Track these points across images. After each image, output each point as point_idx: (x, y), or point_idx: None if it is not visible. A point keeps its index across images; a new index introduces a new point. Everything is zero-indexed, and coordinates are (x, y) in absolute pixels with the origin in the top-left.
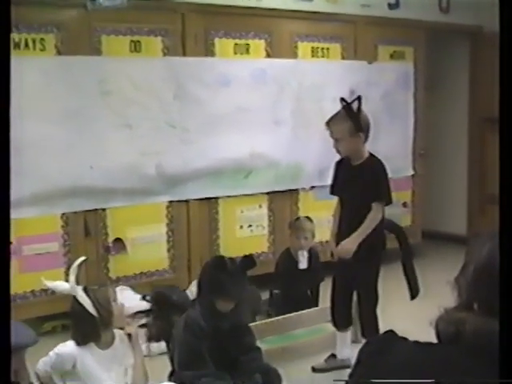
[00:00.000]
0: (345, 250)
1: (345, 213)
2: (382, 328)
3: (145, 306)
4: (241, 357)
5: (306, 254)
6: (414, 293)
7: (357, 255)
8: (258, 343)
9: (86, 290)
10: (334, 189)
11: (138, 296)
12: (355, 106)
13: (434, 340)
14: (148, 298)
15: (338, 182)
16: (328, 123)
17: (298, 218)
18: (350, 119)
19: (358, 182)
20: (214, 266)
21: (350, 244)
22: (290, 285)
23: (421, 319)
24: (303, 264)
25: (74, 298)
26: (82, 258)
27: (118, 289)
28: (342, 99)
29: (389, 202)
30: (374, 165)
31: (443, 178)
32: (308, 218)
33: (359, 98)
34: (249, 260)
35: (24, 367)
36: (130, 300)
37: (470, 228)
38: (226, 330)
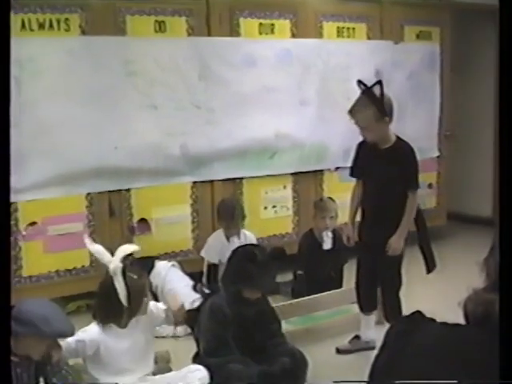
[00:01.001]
0: (393, 249)
1: (369, 197)
2: (409, 309)
3: (197, 299)
4: (266, 342)
5: (330, 234)
6: (430, 267)
7: (382, 238)
8: (283, 324)
9: (124, 273)
10: (355, 171)
11: (187, 278)
12: (377, 90)
13: (462, 321)
14: (200, 287)
15: (363, 165)
16: (351, 112)
17: (321, 199)
18: (374, 104)
19: (389, 167)
20: (243, 256)
21: (398, 243)
22: (313, 266)
23: (447, 300)
24: (327, 244)
25: (110, 279)
26: (134, 248)
27: (168, 265)
28: (360, 82)
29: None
30: (405, 150)
31: (469, 159)
32: (331, 198)
33: (380, 83)
34: (279, 252)
35: (58, 347)
36: (179, 286)
37: (495, 210)
38: (251, 317)
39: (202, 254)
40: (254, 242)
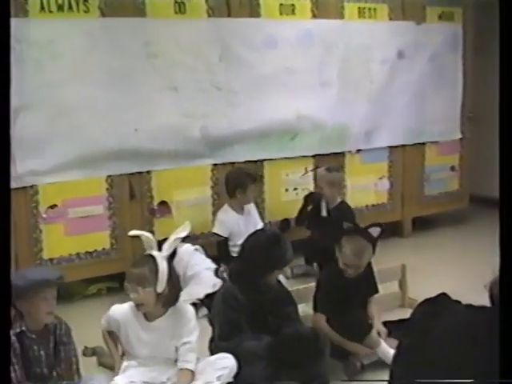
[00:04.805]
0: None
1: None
2: (434, 292)
3: (218, 283)
4: (281, 324)
5: (323, 203)
6: None
7: None
8: (304, 307)
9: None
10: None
11: (209, 262)
12: (375, 232)
13: (487, 303)
14: (221, 272)
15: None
16: (358, 256)
17: (316, 167)
18: (371, 244)
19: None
20: (269, 242)
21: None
22: (315, 232)
23: (472, 283)
24: (323, 212)
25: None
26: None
27: (191, 249)
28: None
29: None
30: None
31: (492, 141)
32: (328, 168)
33: (382, 228)
34: (285, 223)
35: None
36: (201, 270)
37: None
38: (265, 302)
39: (215, 230)
40: (257, 213)
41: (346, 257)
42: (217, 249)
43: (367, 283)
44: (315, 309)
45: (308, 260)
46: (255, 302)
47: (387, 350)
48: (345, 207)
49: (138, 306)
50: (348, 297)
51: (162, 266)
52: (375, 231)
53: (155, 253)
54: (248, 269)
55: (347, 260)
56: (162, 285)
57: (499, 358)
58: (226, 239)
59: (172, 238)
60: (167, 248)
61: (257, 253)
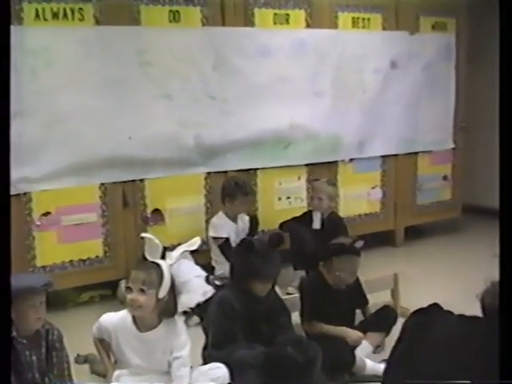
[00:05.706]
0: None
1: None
2: (426, 301)
3: (209, 290)
4: (274, 333)
5: (318, 214)
6: None
7: None
8: (298, 315)
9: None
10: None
11: (199, 269)
12: (359, 244)
13: (479, 313)
14: (212, 279)
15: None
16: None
17: (316, 179)
18: (359, 256)
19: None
20: (242, 249)
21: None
22: (300, 243)
23: (464, 293)
24: (316, 224)
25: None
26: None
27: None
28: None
29: None
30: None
31: (485, 151)
32: (328, 181)
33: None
34: (276, 237)
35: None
36: (191, 277)
37: None
38: (260, 312)
39: (211, 234)
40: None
41: (338, 277)
42: (221, 252)
43: (356, 294)
44: (309, 317)
45: (296, 269)
46: (249, 311)
47: (376, 366)
48: (335, 218)
49: (134, 309)
50: (336, 309)
51: (167, 273)
52: (359, 244)
53: (160, 261)
54: (232, 277)
55: (340, 280)
56: (164, 290)
57: (499, 359)
58: (227, 239)
59: (181, 249)
60: (174, 258)
61: (232, 260)
